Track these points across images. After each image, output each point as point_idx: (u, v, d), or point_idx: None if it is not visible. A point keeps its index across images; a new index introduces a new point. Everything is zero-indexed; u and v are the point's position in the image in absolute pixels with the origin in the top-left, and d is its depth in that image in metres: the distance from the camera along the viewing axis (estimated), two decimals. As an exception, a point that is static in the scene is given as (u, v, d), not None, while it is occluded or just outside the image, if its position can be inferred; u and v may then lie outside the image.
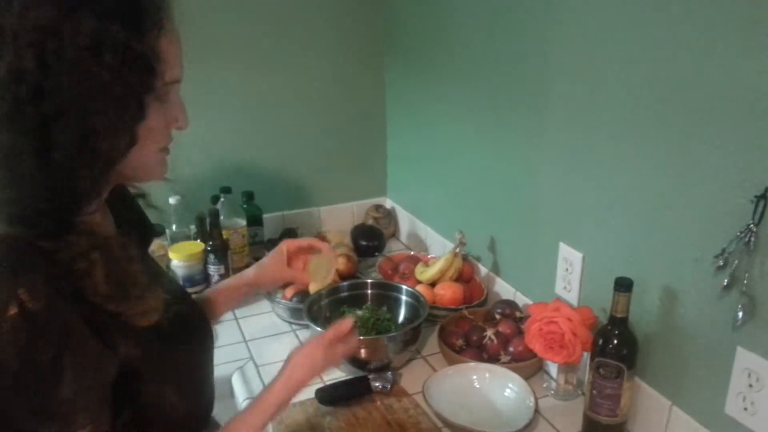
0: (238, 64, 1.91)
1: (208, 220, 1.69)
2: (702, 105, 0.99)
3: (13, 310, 0.64)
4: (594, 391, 1.15)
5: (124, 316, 0.74)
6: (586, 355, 1.20)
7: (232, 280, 1.25)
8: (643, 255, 1.16)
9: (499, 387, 1.28)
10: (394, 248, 2.14)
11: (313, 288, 1.60)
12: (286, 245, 1.22)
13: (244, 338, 1.55)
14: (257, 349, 1.50)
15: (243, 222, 1.82)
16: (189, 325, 0.94)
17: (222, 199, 1.79)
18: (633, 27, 1.10)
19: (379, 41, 2.09)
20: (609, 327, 1.13)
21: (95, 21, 0.66)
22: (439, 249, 1.92)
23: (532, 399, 1.22)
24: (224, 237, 1.75)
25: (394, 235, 2.22)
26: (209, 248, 1.71)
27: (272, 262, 1.22)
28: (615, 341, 1.12)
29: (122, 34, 0.67)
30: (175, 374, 0.85)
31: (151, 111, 0.73)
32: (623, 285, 1.10)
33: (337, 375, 1.39)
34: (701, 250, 1.03)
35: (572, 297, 1.36)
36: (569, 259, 1.35)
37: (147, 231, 1.01)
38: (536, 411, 1.21)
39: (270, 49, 1.95)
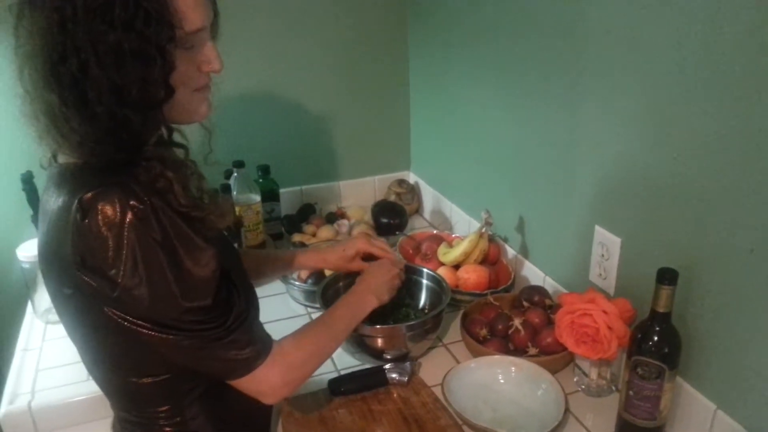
0: (254, 31, 1.81)
1: (219, 195, 1.61)
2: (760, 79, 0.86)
3: (129, 216, 0.77)
4: (630, 392, 1.05)
5: (207, 220, 0.86)
6: (621, 350, 1.10)
7: (297, 258, 1.34)
8: (690, 243, 1.04)
9: (526, 383, 1.19)
10: (417, 225, 2.04)
11: (328, 270, 1.52)
12: (362, 247, 1.32)
13: (256, 321, 1.48)
14: (270, 332, 1.42)
15: (257, 198, 1.74)
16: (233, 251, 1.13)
17: (235, 174, 1.70)
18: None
19: (404, 7, 1.96)
20: (649, 322, 1.02)
21: None
22: (464, 227, 1.82)
23: (563, 398, 1.12)
24: (237, 213, 1.67)
25: (417, 211, 2.12)
26: (221, 225, 1.63)
27: (338, 257, 1.33)
28: (656, 338, 1.02)
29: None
30: (238, 275, 0.97)
31: (177, 59, 0.79)
32: (667, 277, 0.98)
33: (352, 364, 1.31)
34: (757, 242, 0.91)
35: (608, 285, 1.25)
36: (606, 244, 1.24)
37: None
38: (567, 410, 1.11)
39: (289, 16, 1.85)
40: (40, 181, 1.47)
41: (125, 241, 0.77)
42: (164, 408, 0.95)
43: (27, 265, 1.46)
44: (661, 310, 1.00)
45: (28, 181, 1.51)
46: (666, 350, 1.02)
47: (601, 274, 1.27)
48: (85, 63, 0.73)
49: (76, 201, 0.77)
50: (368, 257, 1.34)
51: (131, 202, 0.77)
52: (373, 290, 1.20)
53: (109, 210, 0.76)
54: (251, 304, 1.00)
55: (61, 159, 0.88)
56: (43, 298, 1.50)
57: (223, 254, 0.91)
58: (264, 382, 0.94)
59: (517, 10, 1.40)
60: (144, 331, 0.82)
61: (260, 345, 0.93)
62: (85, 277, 0.79)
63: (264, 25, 1.82)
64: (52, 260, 0.86)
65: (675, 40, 1.00)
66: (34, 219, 1.53)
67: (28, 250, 1.45)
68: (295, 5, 1.84)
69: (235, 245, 1.32)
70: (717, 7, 0.92)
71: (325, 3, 1.87)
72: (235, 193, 1.68)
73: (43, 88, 0.76)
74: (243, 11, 1.75)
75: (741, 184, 0.93)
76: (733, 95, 0.92)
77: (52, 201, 0.84)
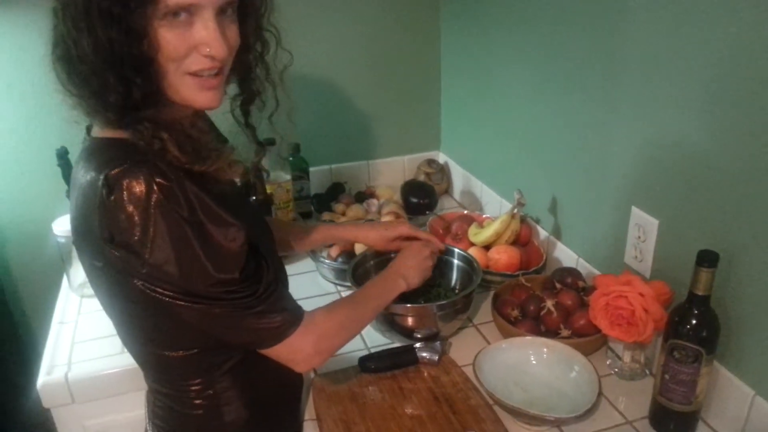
0: (286, 11, 1.79)
1: (251, 174, 1.61)
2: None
3: (155, 193, 0.77)
4: (666, 375, 1.03)
5: (213, 173, 0.85)
6: (656, 334, 1.08)
7: (329, 231, 1.37)
8: (731, 226, 1.02)
9: (558, 365, 1.17)
10: (447, 206, 2.03)
11: (359, 249, 1.51)
12: (405, 231, 1.32)
13: (286, 298, 1.48)
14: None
15: (288, 176, 1.74)
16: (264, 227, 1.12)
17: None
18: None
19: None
20: (687, 305, 1.00)
21: None
22: (495, 208, 1.80)
23: (596, 380, 1.10)
24: (268, 191, 1.67)
25: (447, 191, 2.10)
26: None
27: (377, 235, 1.33)
28: (694, 322, 0.99)
29: None
30: (267, 248, 0.97)
31: (158, 31, 0.77)
32: (708, 259, 0.96)
33: (382, 342, 1.31)
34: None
35: (644, 268, 1.22)
36: (642, 226, 1.21)
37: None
38: (600, 393, 1.10)
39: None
40: (75, 156, 1.50)
41: (152, 218, 0.77)
42: (196, 381, 0.96)
43: (62, 240, 1.48)
44: (700, 293, 0.98)
45: (62, 156, 1.52)
46: (704, 334, 1.00)
47: (636, 257, 1.24)
48: (65, 23, 0.77)
49: (102, 177, 0.78)
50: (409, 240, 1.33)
51: (157, 179, 0.77)
52: (403, 274, 1.20)
53: (135, 187, 0.77)
54: (280, 278, 1.00)
55: (95, 132, 0.89)
56: (78, 273, 1.52)
57: (253, 227, 0.92)
58: (296, 350, 0.95)
59: (554, -13, 1.37)
60: (175, 302, 0.83)
61: (291, 314, 0.94)
62: (114, 252, 0.80)
63: (295, 6, 1.80)
64: (83, 234, 0.87)
65: (723, 16, 0.96)
66: (69, 194, 1.55)
67: (63, 225, 1.47)
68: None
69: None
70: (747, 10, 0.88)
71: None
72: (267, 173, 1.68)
73: (51, 53, 0.81)
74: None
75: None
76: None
77: (81, 174, 0.85)
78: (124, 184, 0.77)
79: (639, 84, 1.17)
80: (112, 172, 0.77)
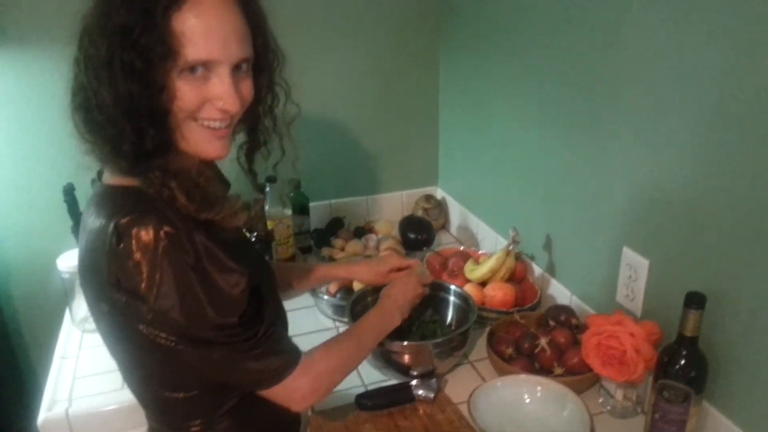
0: (286, 47, 1.84)
1: (252, 221, 1.65)
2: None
3: (163, 242, 0.80)
4: (656, 415, 1.05)
5: (219, 221, 0.89)
6: (648, 373, 1.10)
7: (327, 270, 1.41)
8: (719, 268, 1.05)
9: (551, 403, 1.19)
10: (444, 241, 2.06)
11: (357, 285, 1.54)
12: (395, 263, 1.38)
13: (285, 334, 1.50)
14: (299, 345, 1.44)
15: (288, 212, 1.77)
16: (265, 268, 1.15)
17: (267, 189, 1.74)
18: (720, 4, 0.97)
19: (435, 23, 1.99)
20: (676, 346, 1.03)
21: (105, 3, 0.79)
22: (491, 244, 1.83)
23: (588, 419, 1.12)
24: (269, 227, 1.71)
25: (444, 226, 2.14)
26: (253, 239, 1.67)
27: (370, 272, 1.38)
28: (683, 362, 1.02)
29: (123, 16, 0.77)
30: (268, 290, 1.02)
31: (176, 84, 0.81)
32: (696, 301, 0.99)
33: (378, 379, 1.33)
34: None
35: (635, 307, 1.25)
36: (633, 266, 1.24)
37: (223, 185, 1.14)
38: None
39: (321, 32, 1.88)
40: (81, 193, 1.53)
41: (159, 266, 0.80)
42: (196, 422, 0.97)
43: (66, 275, 1.51)
44: (688, 334, 1.01)
45: (69, 192, 1.55)
46: (693, 374, 1.02)
47: (628, 295, 1.27)
48: (86, 73, 0.81)
49: (112, 225, 0.81)
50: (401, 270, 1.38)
51: (165, 228, 0.80)
52: (399, 307, 1.23)
53: (143, 235, 0.80)
54: (279, 319, 1.03)
55: (106, 178, 0.92)
56: (80, 307, 1.55)
57: (255, 270, 0.94)
58: (294, 391, 0.97)
59: (551, 29, 1.41)
60: (178, 347, 0.86)
61: (289, 355, 0.97)
62: (120, 298, 0.83)
63: (296, 42, 1.84)
64: (91, 278, 0.90)
65: (712, 62, 1.00)
66: (74, 230, 1.58)
67: (67, 261, 1.51)
68: (326, 21, 1.87)
69: (267, 258, 1.37)
70: (760, 33, 0.92)
71: (357, 19, 1.90)
72: (267, 207, 1.72)
73: (71, 101, 0.85)
74: (275, 28, 1.78)
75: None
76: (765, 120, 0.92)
77: (91, 220, 0.88)
78: (133, 232, 0.80)
79: (631, 127, 1.21)
80: (122, 221, 0.80)
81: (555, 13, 1.38)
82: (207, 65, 0.83)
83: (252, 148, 1.03)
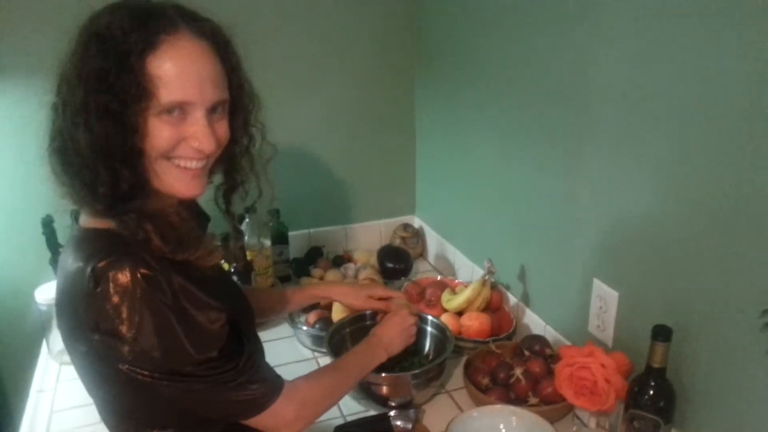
0: (263, 81, 1.87)
1: (231, 242, 1.66)
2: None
3: (140, 284, 0.82)
4: (628, 444, 1.09)
5: (194, 261, 0.90)
6: (619, 402, 1.14)
7: (307, 290, 1.46)
8: (685, 301, 1.09)
9: (526, 433, 1.22)
10: (422, 269, 2.09)
11: (336, 315, 1.56)
12: (379, 291, 1.43)
13: (264, 365, 1.51)
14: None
15: (267, 243, 1.79)
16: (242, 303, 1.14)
17: (247, 219, 1.76)
18: (682, 46, 1.02)
19: (411, 58, 2.04)
20: (645, 377, 1.07)
21: (82, 50, 0.82)
22: (467, 273, 1.86)
23: (561, 449, 1.15)
24: (248, 258, 1.72)
25: (422, 255, 2.17)
26: (233, 270, 1.69)
27: (353, 294, 1.43)
28: (651, 392, 1.06)
29: (99, 61, 0.80)
30: (245, 322, 1.04)
31: (151, 125, 0.83)
32: (662, 334, 1.03)
33: (357, 411, 1.35)
34: (748, 303, 0.96)
35: (606, 337, 1.29)
36: (604, 298, 1.28)
37: (202, 219, 1.16)
38: (565, 461, 1.15)
39: (299, 66, 1.92)
40: (60, 224, 1.54)
41: (137, 308, 0.82)
42: None
43: (44, 307, 1.51)
44: (656, 365, 1.04)
45: (47, 224, 1.56)
46: (661, 404, 1.06)
47: (599, 326, 1.31)
48: (63, 117, 0.83)
49: (89, 268, 0.82)
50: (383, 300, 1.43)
51: (141, 270, 0.82)
52: (386, 345, 1.26)
53: (121, 278, 0.81)
54: (258, 350, 1.05)
55: (83, 222, 0.93)
56: (58, 339, 1.51)
57: (233, 303, 0.97)
58: (278, 418, 0.99)
59: (523, 64, 1.46)
60: (160, 382, 0.87)
61: (272, 383, 0.99)
62: (99, 339, 0.84)
63: (272, 75, 1.88)
64: (68, 319, 0.90)
65: (675, 101, 1.05)
66: (53, 262, 1.58)
67: (45, 293, 1.51)
68: (304, 54, 1.91)
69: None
70: (716, 69, 0.97)
71: (333, 52, 1.94)
72: (246, 238, 1.73)
73: (48, 145, 0.87)
74: (253, 63, 1.81)
75: (735, 247, 0.98)
76: (731, 158, 0.96)
77: (69, 262, 0.89)
78: (110, 275, 0.81)
79: (601, 163, 1.25)
80: (99, 264, 0.82)
81: (527, 49, 1.43)
82: (182, 107, 0.85)
83: (229, 189, 1.04)
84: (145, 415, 0.94)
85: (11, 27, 1.60)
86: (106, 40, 0.81)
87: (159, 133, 0.85)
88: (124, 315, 0.82)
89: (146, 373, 0.86)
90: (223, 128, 0.92)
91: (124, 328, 0.82)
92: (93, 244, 0.87)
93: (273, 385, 0.98)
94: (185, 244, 0.90)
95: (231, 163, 1.01)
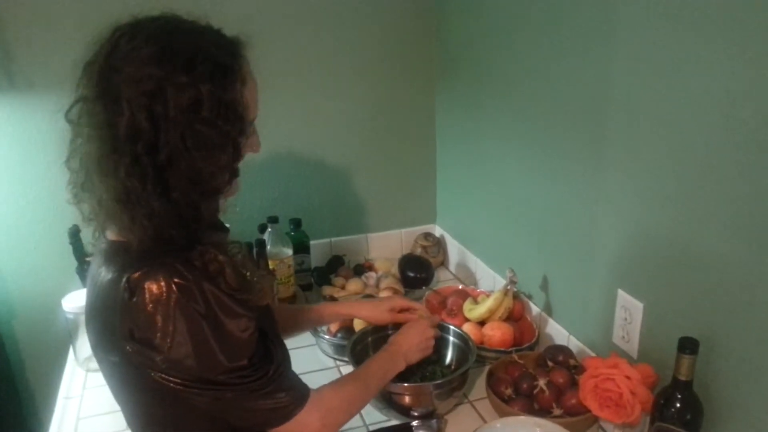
0: (286, 91, 1.89)
1: (255, 251, 1.68)
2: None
3: (174, 293, 0.83)
4: (654, 457, 1.07)
5: (250, 301, 0.93)
6: (645, 414, 1.13)
7: (331, 308, 1.45)
8: (712, 312, 1.08)
9: (550, 445, 1.21)
10: (443, 278, 2.09)
11: (358, 325, 1.57)
12: (399, 303, 1.43)
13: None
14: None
15: (289, 252, 1.80)
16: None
17: (269, 229, 1.77)
18: (702, 58, 1.02)
19: (432, 68, 2.04)
20: (671, 390, 1.05)
21: (191, 83, 0.82)
22: (489, 282, 1.86)
23: (586, 461, 1.14)
24: (271, 267, 1.73)
25: (443, 263, 2.17)
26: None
27: (373, 310, 1.42)
28: (678, 405, 1.04)
29: (214, 91, 0.83)
30: (272, 332, 1.06)
31: (242, 146, 0.91)
32: (688, 346, 1.02)
33: (379, 420, 1.35)
34: (778, 315, 0.95)
35: (631, 349, 1.28)
36: (628, 309, 1.27)
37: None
38: (590, 474, 1.14)
39: (320, 75, 1.93)
40: (86, 235, 1.55)
41: (172, 317, 0.84)
42: None
43: (71, 316, 1.53)
44: (682, 378, 1.03)
45: (74, 235, 1.59)
46: (688, 417, 1.04)
47: (624, 337, 1.30)
48: (173, 154, 0.82)
49: (124, 280, 0.84)
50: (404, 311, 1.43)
51: (175, 280, 0.84)
52: (404, 353, 1.25)
53: (155, 288, 0.83)
54: (285, 359, 1.06)
55: (110, 235, 0.94)
56: (84, 347, 1.56)
57: (261, 315, 0.98)
58: (305, 426, 0.99)
59: (545, 72, 1.46)
60: (191, 390, 0.88)
61: (299, 391, 1.00)
62: (134, 349, 0.86)
63: (295, 85, 1.90)
64: (100, 328, 0.92)
65: (698, 113, 1.04)
66: (79, 271, 1.61)
67: (72, 301, 1.53)
68: (321, 63, 1.92)
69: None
70: (737, 82, 0.96)
71: (354, 60, 1.96)
72: (269, 247, 1.75)
73: (121, 176, 0.82)
74: (275, 71, 1.83)
75: (761, 257, 0.97)
76: (757, 169, 0.95)
77: (102, 274, 0.91)
78: (146, 286, 0.83)
79: (623, 174, 1.25)
80: (134, 276, 0.84)
81: (547, 61, 1.43)
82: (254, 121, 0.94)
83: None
84: (173, 423, 0.96)
85: (38, 41, 1.64)
86: (216, 65, 0.85)
87: (249, 146, 0.95)
88: (159, 324, 0.84)
89: (178, 381, 0.87)
90: None
91: (159, 337, 0.84)
92: (125, 256, 0.88)
93: (300, 393, 1.00)
94: (249, 285, 0.93)
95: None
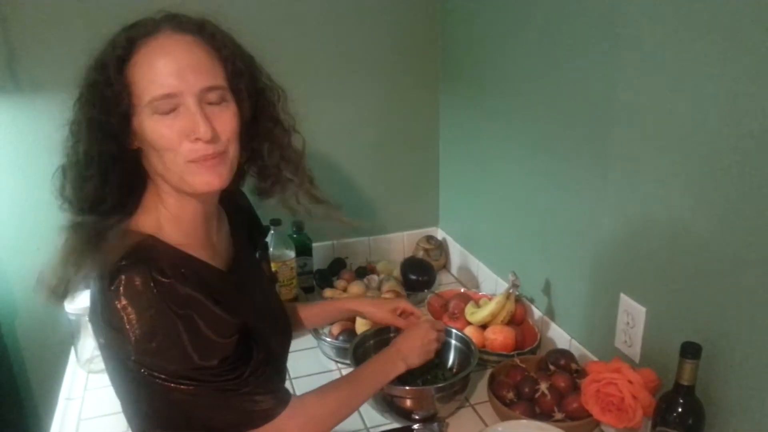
0: (289, 94, 1.89)
1: (257, 253, 1.67)
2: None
3: (152, 288, 0.85)
4: (656, 462, 1.07)
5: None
6: (647, 419, 1.12)
7: (334, 303, 1.48)
8: (715, 317, 1.08)
9: (552, 449, 1.21)
10: (445, 281, 2.08)
11: (360, 327, 1.57)
12: (402, 306, 1.41)
13: (289, 376, 1.52)
14: (301, 388, 1.46)
15: (292, 254, 1.80)
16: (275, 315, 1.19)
17: (272, 231, 1.77)
18: (704, 60, 1.02)
19: (436, 72, 2.04)
20: (673, 394, 1.05)
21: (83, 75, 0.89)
22: (491, 285, 1.86)
23: (588, 465, 1.14)
24: (273, 269, 1.73)
25: (445, 267, 2.17)
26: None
27: (377, 308, 1.40)
28: (680, 410, 1.04)
29: (92, 76, 0.87)
30: (272, 330, 1.08)
31: (145, 124, 0.87)
32: (691, 351, 1.02)
33: (380, 423, 1.35)
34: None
35: (633, 353, 1.28)
36: (631, 313, 1.27)
37: (255, 231, 1.29)
38: (592, 478, 1.14)
39: (323, 79, 1.93)
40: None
41: (143, 309, 0.85)
42: None
43: (73, 317, 1.54)
44: (684, 383, 1.03)
45: (77, 235, 1.59)
46: (690, 422, 1.04)
47: (626, 341, 1.29)
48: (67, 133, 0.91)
49: (108, 268, 0.86)
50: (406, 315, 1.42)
51: (154, 275, 0.85)
52: (404, 356, 1.24)
53: (134, 280, 0.85)
54: (275, 360, 1.06)
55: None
56: (85, 348, 1.57)
57: (257, 312, 1.00)
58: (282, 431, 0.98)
59: (548, 76, 1.46)
60: (165, 383, 0.89)
61: (279, 396, 0.99)
62: (110, 334, 0.88)
63: (297, 88, 1.89)
64: (92, 311, 0.94)
65: (702, 116, 1.04)
66: (83, 272, 1.61)
67: (74, 302, 1.53)
68: (327, 67, 1.92)
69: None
70: (743, 85, 0.96)
71: (357, 65, 1.96)
72: (271, 249, 1.75)
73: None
74: (277, 74, 1.83)
75: (766, 262, 0.97)
76: (760, 173, 0.95)
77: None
78: (124, 277, 0.85)
79: (626, 178, 1.25)
80: (118, 265, 0.86)
81: (552, 64, 1.44)
82: (170, 100, 0.87)
83: (262, 190, 1.08)
84: (160, 416, 0.96)
85: (43, 43, 1.64)
86: (99, 59, 0.88)
87: (156, 130, 0.87)
88: (132, 315, 0.85)
89: (154, 372, 0.88)
90: (226, 116, 0.91)
91: (128, 327, 0.85)
92: (120, 243, 0.89)
93: (279, 398, 0.98)
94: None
95: (256, 160, 1.03)
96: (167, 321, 0.86)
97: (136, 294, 0.85)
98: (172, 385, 0.89)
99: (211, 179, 0.91)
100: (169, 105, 0.87)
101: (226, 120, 0.91)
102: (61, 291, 0.90)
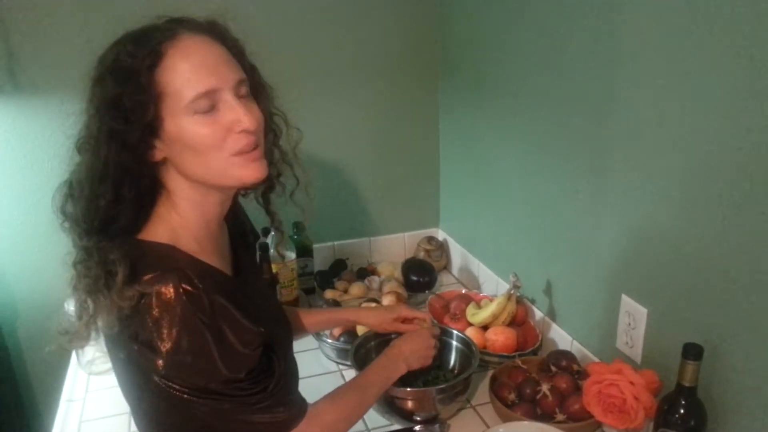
0: (288, 95, 1.89)
1: (257, 254, 1.67)
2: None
3: (182, 300, 0.84)
4: (658, 463, 1.07)
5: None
6: (648, 420, 1.12)
7: (335, 313, 1.49)
8: (716, 318, 1.07)
9: (553, 450, 1.21)
10: (446, 282, 2.08)
11: (361, 329, 1.57)
12: (404, 312, 1.41)
13: (289, 377, 1.52)
14: (302, 390, 1.46)
15: (292, 255, 1.80)
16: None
17: (272, 233, 1.77)
18: (704, 60, 1.02)
19: (435, 72, 2.04)
20: (675, 395, 1.05)
21: (100, 89, 0.86)
22: (492, 286, 1.86)
23: (589, 467, 1.14)
24: (274, 270, 1.73)
25: (446, 267, 2.17)
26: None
27: (378, 318, 1.41)
28: (682, 411, 1.04)
29: (112, 88, 0.85)
30: (283, 343, 1.07)
31: (189, 124, 0.86)
32: (693, 352, 1.02)
33: (382, 424, 1.34)
34: (782, 322, 0.94)
35: (635, 354, 1.27)
36: (632, 314, 1.27)
37: (250, 234, 1.30)
38: (593, 480, 1.14)
39: (322, 79, 1.93)
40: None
41: (176, 323, 0.84)
42: None
43: (74, 319, 1.53)
44: (686, 384, 1.03)
45: (78, 237, 1.58)
46: (692, 423, 1.04)
47: (627, 342, 1.29)
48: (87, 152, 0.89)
49: (136, 281, 0.84)
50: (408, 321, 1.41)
51: (184, 286, 0.84)
52: (405, 358, 1.24)
53: (164, 293, 0.84)
54: (290, 371, 1.06)
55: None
56: (87, 350, 1.56)
57: (272, 324, 0.99)
58: None
59: (545, 74, 1.46)
60: (190, 398, 0.88)
61: (296, 406, 0.99)
62: (137, 350, 0.86)
63: (297, 88, 1.90)
64: (107, 329, 0.91)
65: (703, 115, 1.04)
66: (83, 274, 1.60)
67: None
68: (324, 67, 1.92)
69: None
70: (744, 83, 0.96)
71: (356, 65, 1.96)
72: (272, 250, 1.74)
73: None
74: (277, 75, 1.83)
75: (766, 262, 0.97)
76: (761, 173, 0.95)
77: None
78: (155, 289, 0.84)
79: (627, 179, 1.24)
80: (145, 278, 0.84)
81: (551, 65, 1.43)
82: (210, 98, 0.86)
83: (268, 187, 1.09)
84: (177, 425, 0.96)
85: (42, 45, 1.64)
86: (118, 70, 0.85)
87: (198, 131, 0.86)
88: (163, 329, 0.84)
89: (177, 387, 0.87)
90: (255, 108, 0.93)
91: (160, 342, 0.84)
92: (141, 256, 0.89)
93: (296, 409, 0.99)
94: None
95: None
96: (197, 333, 0.85)
97: (169, 307, 0.84)
98: (196, 399, 0.88)
99: (257, 169, 0.92)
100: (209, 102, 0.87)
101: (256, 111, 0.93)
102: (87, 334, 0.90)
